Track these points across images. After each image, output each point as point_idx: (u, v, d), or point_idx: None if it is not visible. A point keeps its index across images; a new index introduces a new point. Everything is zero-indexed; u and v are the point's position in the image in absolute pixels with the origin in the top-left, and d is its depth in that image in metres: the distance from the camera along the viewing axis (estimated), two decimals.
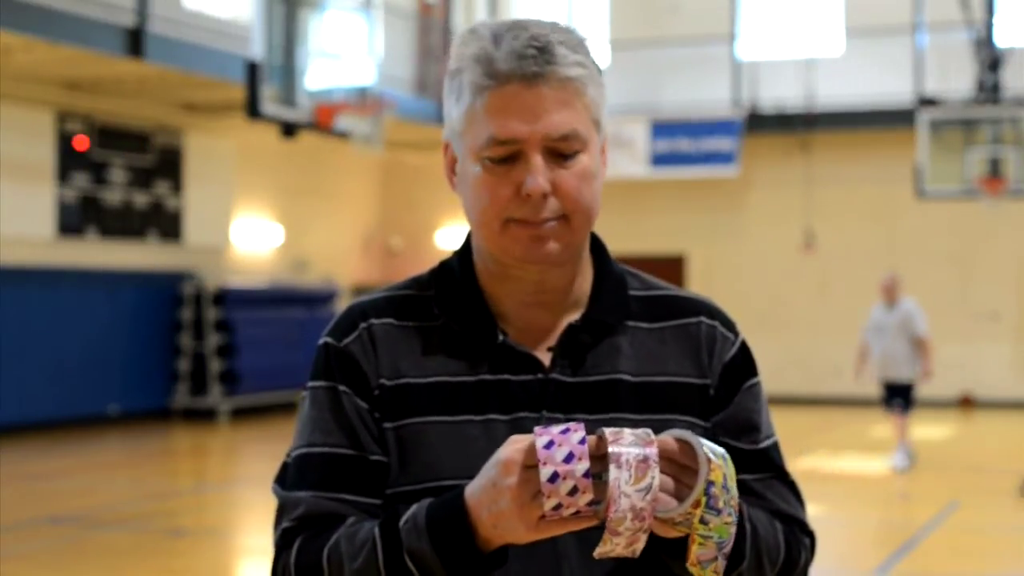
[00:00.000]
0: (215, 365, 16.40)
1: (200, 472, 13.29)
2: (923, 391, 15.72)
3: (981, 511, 9.81)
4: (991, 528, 9.36)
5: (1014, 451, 13.58)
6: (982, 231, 17.87)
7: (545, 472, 1.36)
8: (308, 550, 1.56)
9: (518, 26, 1.58)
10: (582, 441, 1.37)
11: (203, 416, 16.22)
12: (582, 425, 1.39)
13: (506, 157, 1.57)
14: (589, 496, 1.37)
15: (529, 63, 1.55)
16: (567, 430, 1.38)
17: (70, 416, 14.91)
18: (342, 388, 1.63)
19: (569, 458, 1.36)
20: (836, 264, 18.60)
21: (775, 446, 1.72)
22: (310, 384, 1.67)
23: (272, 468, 1.68)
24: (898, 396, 11.80)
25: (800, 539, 1.68)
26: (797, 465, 11.78)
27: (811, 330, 18.74)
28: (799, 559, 1.66)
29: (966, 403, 17.98)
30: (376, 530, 1.52)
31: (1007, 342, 18.07)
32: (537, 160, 1.55)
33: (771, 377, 17.03)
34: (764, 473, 1.69)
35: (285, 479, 1.65)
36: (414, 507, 1.51)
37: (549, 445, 1.37)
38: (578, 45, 1.60)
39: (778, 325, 18.53)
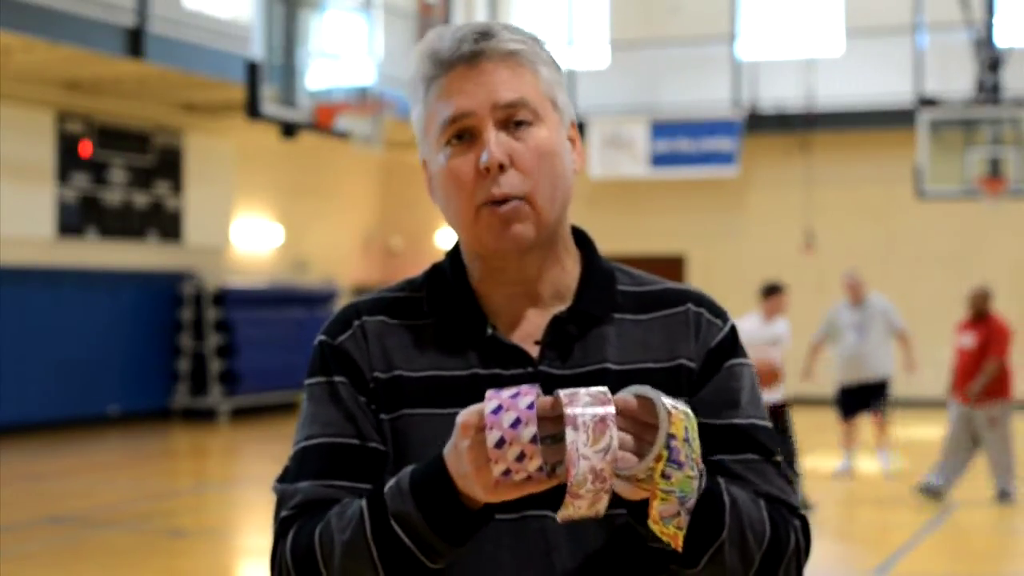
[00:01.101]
0: (215, 365, 16.40)
1: (200, 472, 13.29)
2: (923, 391, 15.74)
3: (980, 512, 9.81)
4: (990, 528, 9.35)
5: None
6: (982, 231, 17.87)
7: (491, 437, 1.36)
8: (301, 534, 1.57)
9: (465, 24, 1.64)
10: (530, 406, 1.36)
11: (203, 416, 16.22)
12: (535, 388, 1.38)
13: (463, 139, 1.60)
14: (538, 462, 1.36)
15: (469, 43, 1.60)
16: (517, 394, 1.37)
17: (70, 416, 14.92)
18: (338, 379, 1.65)
19: (516, 424, 1.35)
20: (836, 264, 18.56)
21: (763, 429, 1.68)
22: (307, 382, 1.69)
23: (272, 468, 1.69)
24: (873, 396, 11.47)
25: (789, 520, 1.63)
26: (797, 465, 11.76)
27: (811, 330, 18.68)
28: (788, 540, 1.61)
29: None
30: (363, 501, 1.54)
31: None
32: (490, 133, 1.59)
33: None
34: (746, 454, 1.65)
35: (286, 477, 1.66)
36: (399, 473, 1.52)
37: (497, 410, 1.36)
38: (523, 32, 1.64)
39: None
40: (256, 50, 12.02)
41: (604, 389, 1.39)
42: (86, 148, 14.98)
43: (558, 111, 1.65)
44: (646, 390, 1.42)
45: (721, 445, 1.64)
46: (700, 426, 1.48)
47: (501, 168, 1.58)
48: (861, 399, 11.50)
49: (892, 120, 17.61)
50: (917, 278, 17.31)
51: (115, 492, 11.06)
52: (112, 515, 9.89)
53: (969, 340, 10.13)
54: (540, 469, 1.36)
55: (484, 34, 1.61)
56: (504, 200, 1.59)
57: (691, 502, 1.43)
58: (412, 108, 1.67)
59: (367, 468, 1.61)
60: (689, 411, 1.42)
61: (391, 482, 1.52)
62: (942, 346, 16.30)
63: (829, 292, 18.65)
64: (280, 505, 1.63)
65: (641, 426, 1.41)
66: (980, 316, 10.18)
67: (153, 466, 13.10)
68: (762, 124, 18.28)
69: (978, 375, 9.95)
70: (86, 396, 15.14)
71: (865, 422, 12.09)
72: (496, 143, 1.58)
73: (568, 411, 1.35)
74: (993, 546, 8.91)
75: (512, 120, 1.60)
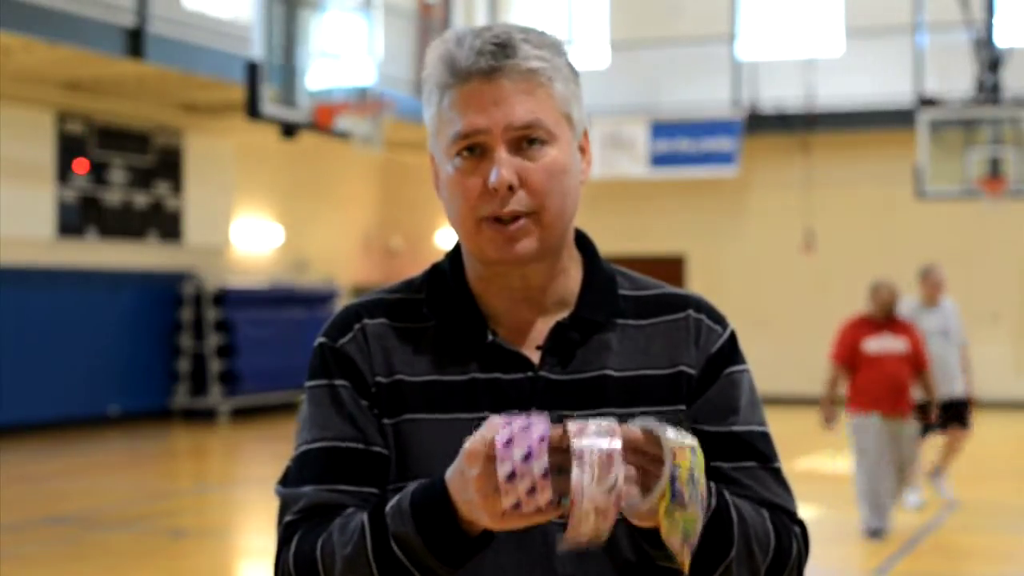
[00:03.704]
0: (215, 365, 16.40)
1: (200, 472, 13.29)
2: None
3: (981, 511, 9.80)
4: (991, 528, 9.35)
5: (1014, 451, 13.59)
6: (982, 231, 17.87)
7: (503, 470, 1.35)
8: (304, 542, 1.57)
9: (484, 28, 1.61)
10: (542, 439, 1.35)
11: (203, 416, 16.21)
12: (544, 419, 1.38)
13: (474, 152, 1.58)
14: (548, 495, 1.36)
15: (488, 58, 1.57)
16: (528, 426, 1.36)
17: (70, 416, 14.91)
18: (339, 382, 1.65)
19: (527, 457, 1.35)
20: (836, 264, 18.59)
21: (762, 436, 1.69)
22: (307, 384, 1.68)
23: (272, 468, 1.70)
24: (954, 414, 9.60)
25: (790, 528, 1.65)
26: (797, 465, 11.77)
27: (811, 330, 18.71)
28: (791, 548, 1.63)
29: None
30: (365, 517, 1.53)
31: (1007, 342, 18.06)
32: (501, 153, 1.57)
33: (771, 377, 17.01)
34: (745, 461, 1.66)
35: (288, 480, 1.66)
36: (401, 492, 1.52)
37: (508, 443, 1.36)
38: (544, 43, 1.61)
39: (778, 325, 18.53)
40: (256, 50, 12.01)
41: (612, 421, 1.38)
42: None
43: (572, 126, 1.64)
44: (652, 425, 1.42)
45: (720, 452, 1.64)
46: (699, 433, 1.49)
47: (510, 189, 1.57)
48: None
49: (892, 120, 17.62)
50: (917, 278, 17.28)
51: (115, 492, 11.06)
52: (112, 515, 9.89)
53: (896, 344, 8.56)
54: (552, 500, 1.36)
55: (503, 46, 1.58)
56: (511, 217, 1.58)
57: (694, 540, 1.43)
58: (425, 107, 1.65)
59: (370, 472, 1.61)
60: (696, 445, 1.42)
61: (393, 501, 1.52)
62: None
63: (829, 292, 18.66)
64: (284, 510, 1.63)
65: (646, 459, 1.41)
66: (892, 316, 8.65)
67: (153, 466, 13.10)
68: (762, 124, 18.29)
69: (911, 386, 8.58)
70: (86, 396, 15.13)
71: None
72: (506, 165, 1.57)
73: (575, 444, 1.35)
74: (994, 545, 8.90)
75: (524, 139, 1.58)
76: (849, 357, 8.64)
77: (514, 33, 1.60)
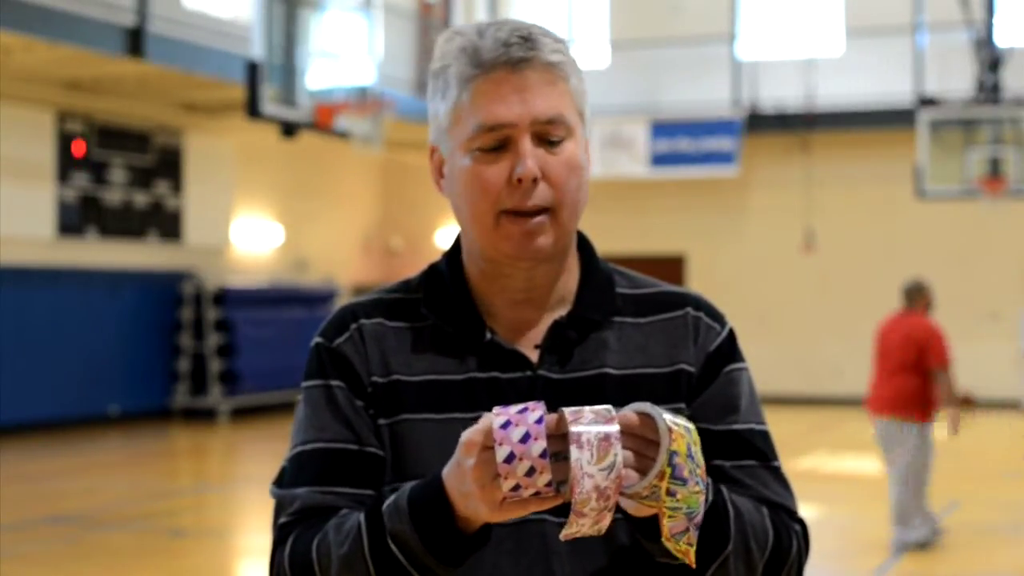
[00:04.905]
0: (215, 365, 16.40)
1: (200, 472, 13.29)
2: None
3: (981, 511, 9.81)
4: (991, 528, 9.35)
5: (1014, 451, 13.58)
6: (982, 231, 17.87)
7: (501, 452, 1.35)
8: (299, 543, 1.57)
9: (500, 21, 1.62)
10: (539, 421, 1.35)
11: (203, 416, 16.22)
12: (541, 404, 1.38)
13: (496, 146, 1.58)
14: (547, 476, 1.36)
15: (515, 49, 1.58)
16: (525, 409, 1.37)
17: (70, 416, 14.91)
18: (335, 383, 1.64)
19: (525, 438, 1.35)
20: (836, 264, 18.60)
21: (761, 435, 1.69)
22: (303, 385, 1.68)
23: (272, 468, 1.69)
24: None
25: (789, 525, 1.64)
26: (797, 465, 11.78)
27: (811, 330, 18.74)
28: (790, 546, 1.62)
29: (966, 403, 17.97)
30: (362, 516, 1.53)
31: (1007, 342, 18.06)
32: (527, 144, 1.57)
33: (771, 377, 17.03)
34: (745, 460, 1.66)
35: (283, 481, 1.66)
36: (399, 490, 1.52)
37: (506, 425, 1.36)
38: (558, 39, 1.63)
39: (778, 325, 18.53)
40: (256, 50, 12.01)
41: (609, 407, 1.38)
42: (80, 147, 14.97)
43: (584, 123, 1.65)
44: (647, 407, 1.42)
45: (720, 451, 1.64)
46: (699, 431, 1.48)
47: (533, 181, 1.57)
48: None
49: (892, 120, 17.62)
50: None
51: (115, 492, 11.06)
52: (112, 515, 9.89)
53: None
54: (548, 484, 1.36)
55: (527, 39, 1.58)
56: (532, 212, 1.58)
57: (699, 517, 1.42)
58: (433, 98, 1.64)
59: (365, 473, 1.61)
60: (691, 426, 1.42)
61: (390, 499, 1.51)
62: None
63: (829, 292, 18.67)
64: (279, 511, 1.63)
65: (643, 443, 1.41)
66: None
67: (153, 466, 13.10)
68: (762, 124, 18.29)
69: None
70: (86, 396, 15.14)
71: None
72: (532, 157, 1.57)
73: (572, 429, 1.35)
74: (994, 545, 8.90)
75: (547, 132, 1.58)
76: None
77: (532, 26, 1.61)
